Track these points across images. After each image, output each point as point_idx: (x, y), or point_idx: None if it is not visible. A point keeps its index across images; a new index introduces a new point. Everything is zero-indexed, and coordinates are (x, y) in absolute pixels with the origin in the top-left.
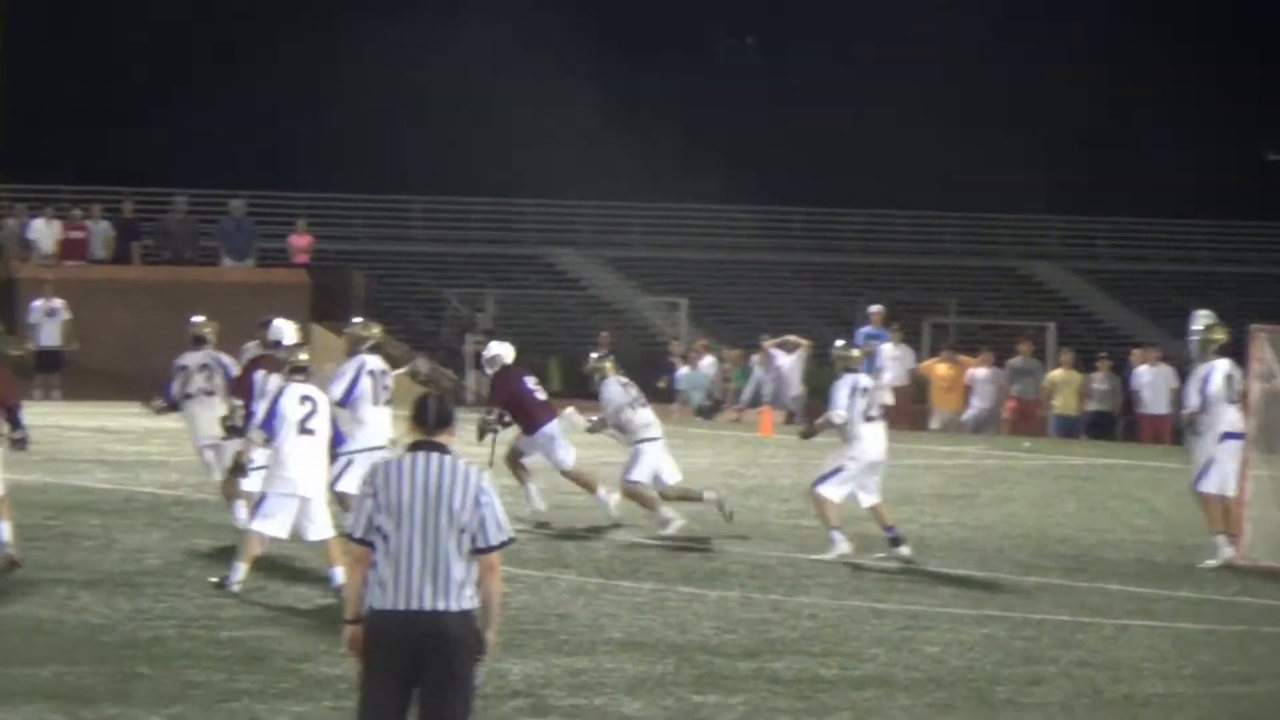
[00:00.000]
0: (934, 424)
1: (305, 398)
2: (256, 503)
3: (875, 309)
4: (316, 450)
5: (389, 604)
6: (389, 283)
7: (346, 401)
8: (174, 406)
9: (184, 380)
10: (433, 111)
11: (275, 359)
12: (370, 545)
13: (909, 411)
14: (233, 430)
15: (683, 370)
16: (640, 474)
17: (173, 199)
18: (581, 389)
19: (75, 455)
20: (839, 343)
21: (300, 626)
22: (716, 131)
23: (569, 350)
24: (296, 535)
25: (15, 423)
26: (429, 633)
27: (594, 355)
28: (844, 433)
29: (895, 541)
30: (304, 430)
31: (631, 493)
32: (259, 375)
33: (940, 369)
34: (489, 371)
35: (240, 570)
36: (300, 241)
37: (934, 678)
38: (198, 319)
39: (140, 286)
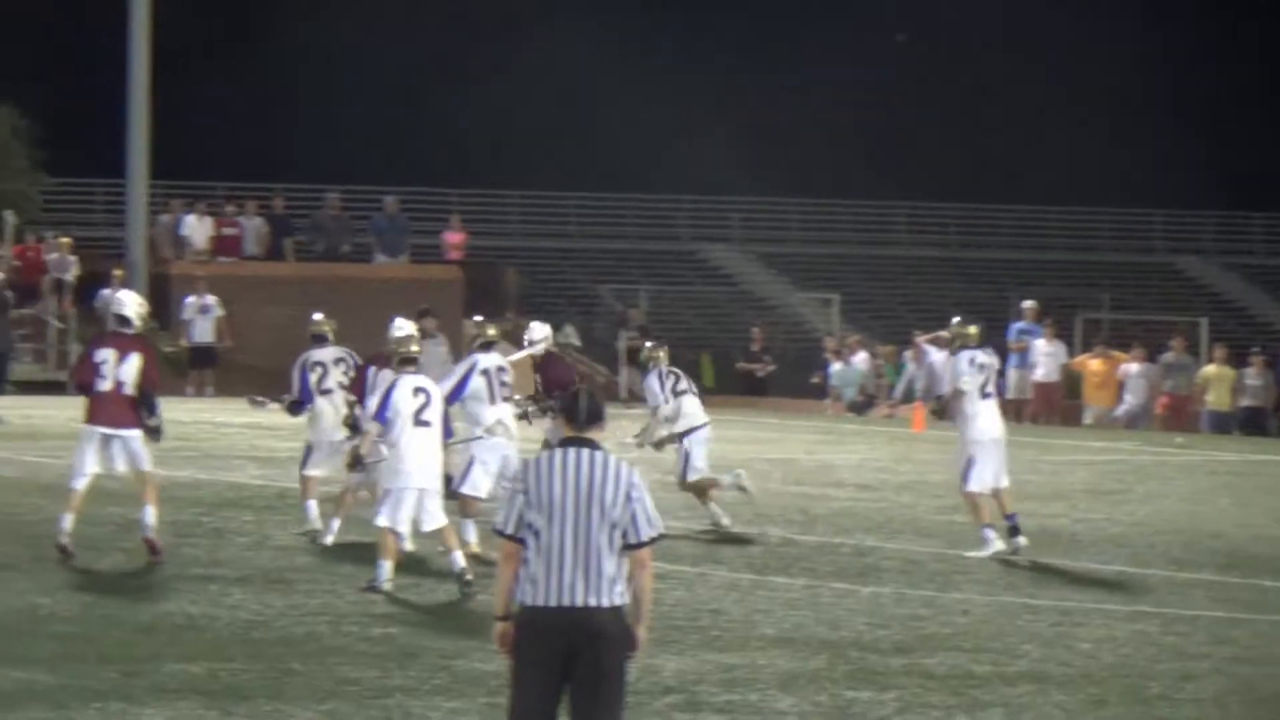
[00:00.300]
0: (1087, 419)
1: (419, 389)
2: (381, 499)
3: (1028, 304)
4: (432, 442)
5: (541, 600)
6: (542, 279)
7: (455, 399)
8: (303, 404)
9: (320, 375)
10: (586, 108)
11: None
12: (521, 542)
13: (1062, 407)
14: (354, 428)
15: (836, 366)
16: (696, 469)
17: (325, 195)
18: (734, 386)
19: (228, 452)
20: (955, 320)
21: (453, 622)
22: (870, 128)
23: (721, 347)
24: (414, 527)
25: (151, 409)
26: (581, 629)
27: (648, 344)
28: (961, 411)
29: (1014, 530)
30: (419, 422)
31: (693, 485)
32: (371, 371)
33: (1093, 364)
34: (538, 351)
35: (385, 568)
36: (454, 238)
37: (1087, 673)
38: (317, 316)
39: (293, 283)
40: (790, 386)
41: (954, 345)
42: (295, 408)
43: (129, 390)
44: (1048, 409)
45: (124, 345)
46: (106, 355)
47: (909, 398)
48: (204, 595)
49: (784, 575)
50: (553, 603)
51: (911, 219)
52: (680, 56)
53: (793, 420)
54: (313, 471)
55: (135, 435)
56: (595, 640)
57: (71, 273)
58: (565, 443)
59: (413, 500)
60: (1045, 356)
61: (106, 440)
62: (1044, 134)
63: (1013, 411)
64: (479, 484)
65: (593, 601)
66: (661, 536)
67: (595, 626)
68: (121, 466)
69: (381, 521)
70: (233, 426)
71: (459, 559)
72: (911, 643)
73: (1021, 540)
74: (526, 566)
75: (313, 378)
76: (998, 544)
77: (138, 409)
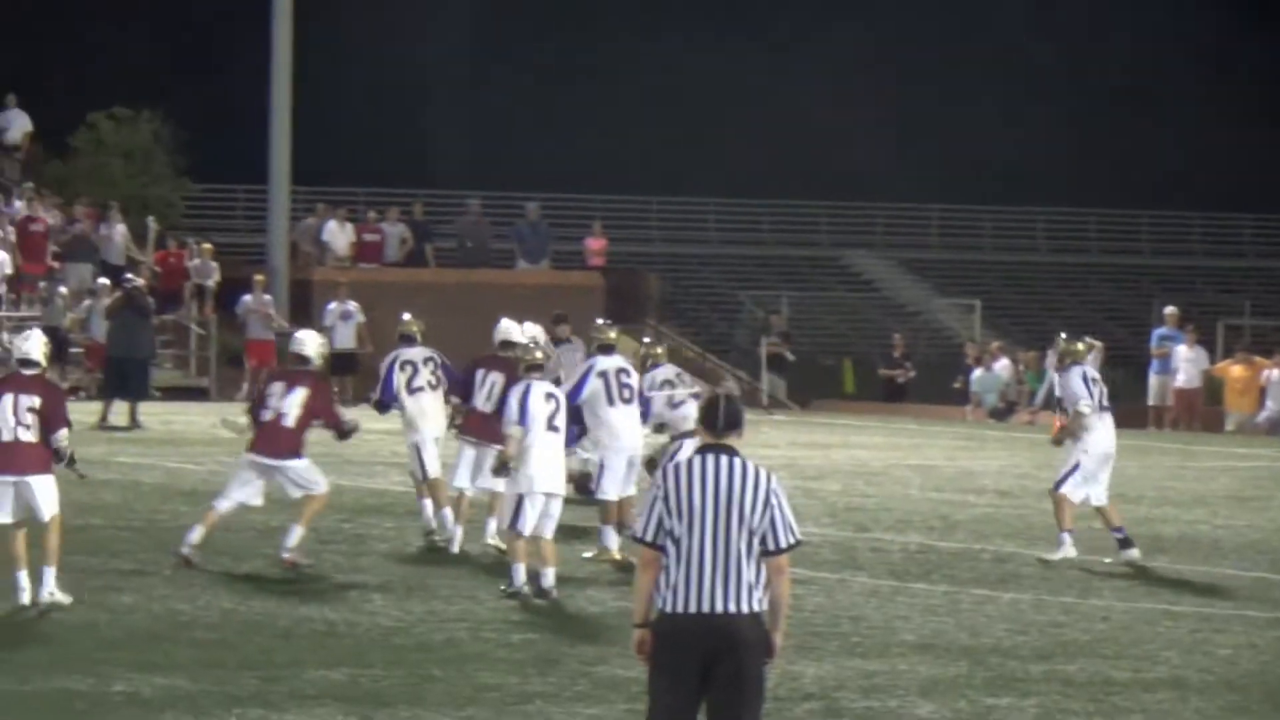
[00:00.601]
0: (1229, 426)
1: (549, 395)
2: (513, 505)
3: (1170, 310)
4: (559, 447)
5: (680, 607)
6: (683, 285)
7: (574, 400)
8: (389, 404)
9: (410, 374)
10: (727, 114)
11: (496, 358)
12: (660, 549)
13: (1203, 414)
14: (459, 428)
15: (977, 372)
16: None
17: (467, 201)
18: (874, 393)
19: (369, 458)
20: (1062, 335)
21: (593, 629)
22: (1012, 134)
23: (862, 353)
24: (537, 533)
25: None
26: (721, 635)
27: (646, 340)
28: (1080, 424)
29: (1124, 543)
30: (551, 427)
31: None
32: (479, 374)
33: (1235, 370)
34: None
35: (520, 572)
36: (596, 244)
37: (1227, 680)
38: (406, 317)
39: (434, 289)
40: (931, 393)
41: (1063, 361)
42: (381, 407)
43: (288, 422)
44: (1189, 415)
45: (293, 379)
46: (276, 387)
47: (1049, 404)
48: (344, 601)
49: (924, 581)
50: (692, 609)
51: (1053, 225)
52: (823, 62)
53: (933, 426)
54: (434, 471)
55: (294, 465)
56: (735, 647)
57: (213, 279)
58: (703, 449)
59: (541, 505)
60: (1186, 363)
61: (265, 470)
62: (1187, 140)
63: (1154, 418)
64: (610, 489)
65: (732, 608)
66: (799, 543)
67: (735, 633)
68: (294, 493)
69: (510, 526)
70: (374, 433)
71: (551, 576)
72: (1051, 649)
73: (1134, 553)
74: (666, 574)
75: (402, 377)
76: (1071, 550)
77: (299, 440)
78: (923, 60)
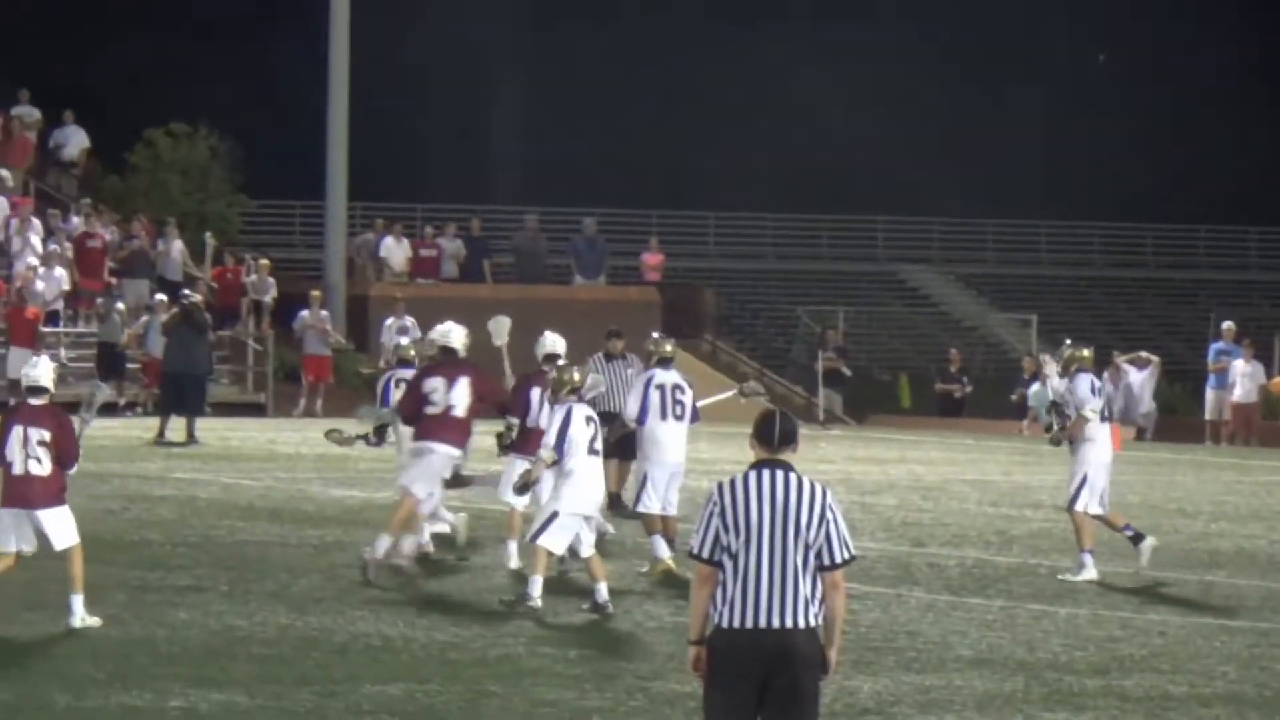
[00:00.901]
0: None
1: (589, 419)
2: (545, 520)
3: (1227, 325)
4: (600, 471)
5: (737, 622)
6: (740, 300)
7: (644, 420)
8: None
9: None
10: (785, 129)
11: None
12: (717, 565)
13: (1260, 428)
14: (508, 448)
15: (1034, 387)
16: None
17: (524, 217)
18: (931, 407)
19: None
20: (1067, 342)
21: (650, 644)
22: (1068, 148)
23: (919, 367)
24: (574, 551)
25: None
26: (777, 650)
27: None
28: (1081, 429)
29: (1137, 538)
30: (592, 451)
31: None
32: (534, 393)
33: None
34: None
35: (538, 584)
36: (652, 259)
37: None
38: (406, 324)
39: (491, 305)
40: (987, 407)
41: (1070, 369)
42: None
43: (459, 413)
44: (1246, 430)
45: (451, 371)
46: (436, 383)
47: (1106, 418)
48: (400, 617)
49: (980, 596)
50: (749, 624)
51: (1110, 239)
52: (879, 76)
53: (989, 441)
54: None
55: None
56: (791, 662)
57: (270, 294)
58: (759, 464)
59: (577, 526)
60: (1243, 377)
61: (448, 460)
62: (1243, 154)
63: (1211, 432)
64: (652, 502)
65: (789, 623)
66: (855, 558)
67: (791, 648)
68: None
69: (542, 542)
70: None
71: (604, 590)
72: (1107, 664)
73: (1150, 541)
74: (722, 589)
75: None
76: (1093, 571)
77: (470, 428)
78: (979, 74)
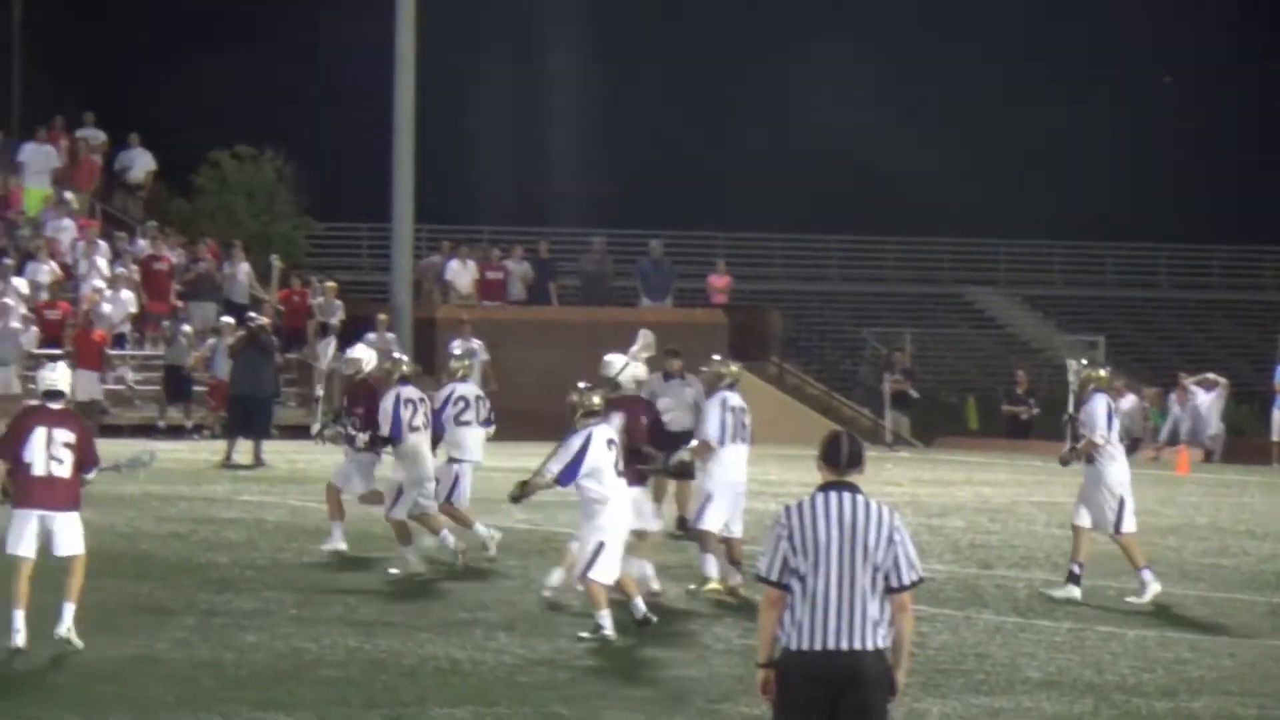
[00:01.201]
0: None
1: (610, 441)
2: (593, 552)
3: None
4: (628, 491)
5: (805, 644)
6: (806, 322)
7: (723, 441)
8: (395, 440)
9: (460, 409)
10: (850, 150)
11: (623, 399)
12: (785, 588)
13: None
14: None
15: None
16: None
17: (591, 239)
18: (998, 429)
19: (496, 496)
20: (1083, 361)
21: (719, 666)
22: (1133, 169)
23: (985, 390)
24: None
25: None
26: (846, 672)
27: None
28: (1102, 453)
29: (1073, 578)
30: (618, 474)
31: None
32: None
33: None
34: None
35: (607, 617)
36: (719, 282)
37: None
38: (401, 356)
39: (557, 326)
40: (1054, 429)
41: (1085, 389)
42: (384, 442)
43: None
44: None
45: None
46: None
47: (1173, 440)
48: (469, 639)
49: (1049, 619)
50: (818, 646)
51: (1176, 261)
52: (944, 101)
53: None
54: (400, 514)
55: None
56: (860, 684)
57: (337, 317)
58: (826, 486)
59: (619, 551)
60: None
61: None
62: None
63: (1278, 454)
64: (713, 520)
65: (857, 645)
66: (923, 580)
67: (860, 670)
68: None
69: (593, 576)
70: (500, 471)
71: (641, 605)
72: (1176, 686)
73: (1073, 593)
74: (790, 611)
75: (449, 412)
76: (1157, 584)
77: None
78: (1044, 96)
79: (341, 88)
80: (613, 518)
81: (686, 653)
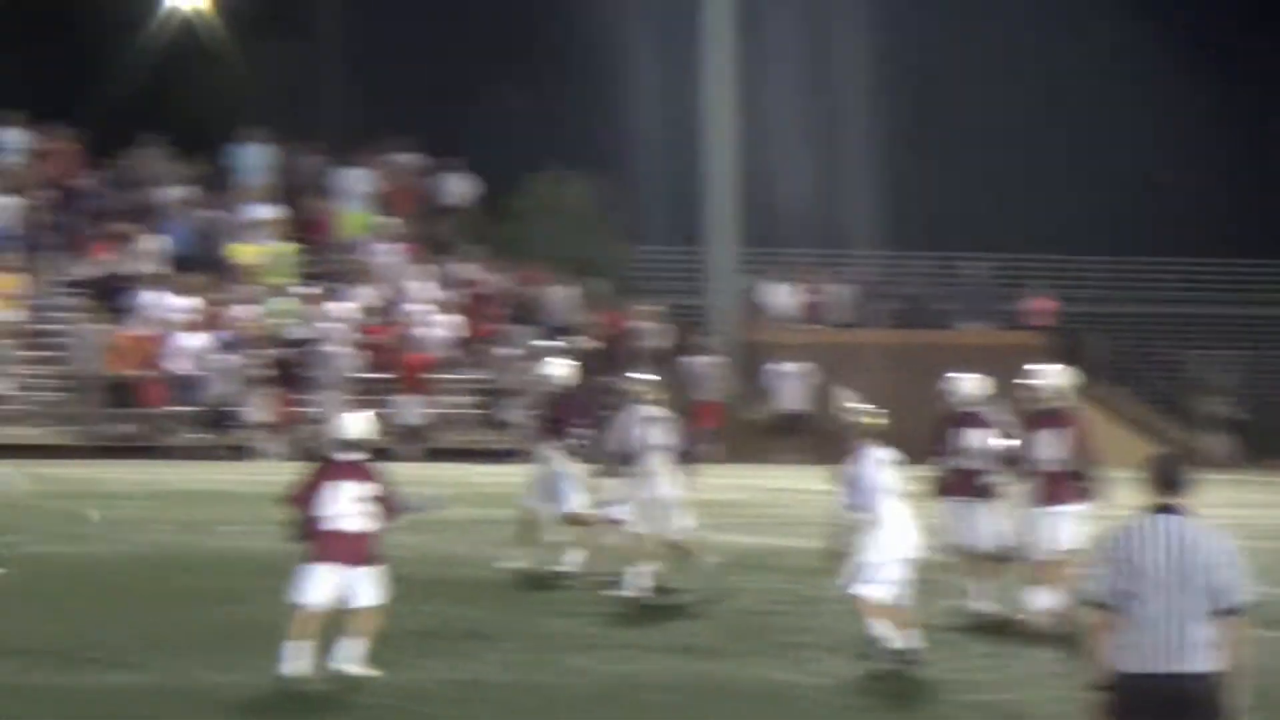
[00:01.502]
0: None
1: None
2: (866, 570)
3: None
4: (905, 512)
5: (1135, 667)
6: (1126, 344)
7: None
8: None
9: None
10: (1181, 170)
11: (969, 414)
12: (1115, 611)
13: None
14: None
15: None
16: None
17: (913, 262)
18: None
19: (812, 519)
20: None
21: (1055, 690)
22: None
23: None
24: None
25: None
26: (1174, 696)
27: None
28: None
29: None
30: (896, 494)
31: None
32: (953, 431)
33: None
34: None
35: (888, 634)
36: (1041, 304)
37: None
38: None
39: (878, 350)
40: None
41: None
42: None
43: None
44: None
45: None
46: (1044, 435)
47: None
48: (789, 660)
49: None
50: (1148, 669)
51: None
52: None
53: None
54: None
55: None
56: (1188, 708)
57: (659, 341)
58: (1154, 509)
59: (901, 570)
60: None
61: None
62: None
63: None
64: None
65: (1188, 668)
66: (1254, 603)
67: (1188, 694)
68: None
69: (867, 592)
70: (821, 493)
71: (898, 637)
72: None
73: None
74: (1119, 635)
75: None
76: None
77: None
78: None
79: (657, 110)
80: (892, 537)
81: (1026, 675)
